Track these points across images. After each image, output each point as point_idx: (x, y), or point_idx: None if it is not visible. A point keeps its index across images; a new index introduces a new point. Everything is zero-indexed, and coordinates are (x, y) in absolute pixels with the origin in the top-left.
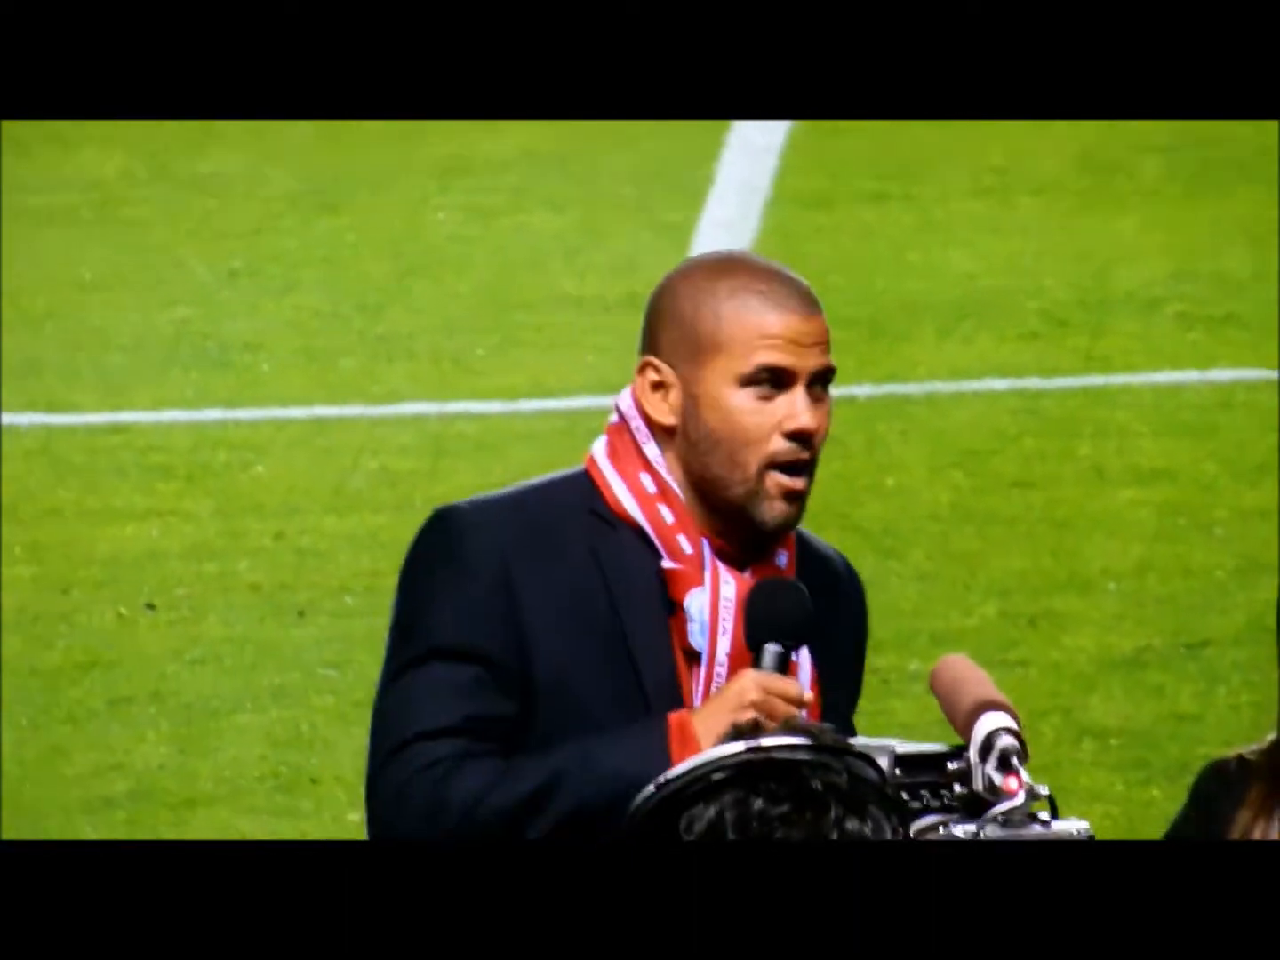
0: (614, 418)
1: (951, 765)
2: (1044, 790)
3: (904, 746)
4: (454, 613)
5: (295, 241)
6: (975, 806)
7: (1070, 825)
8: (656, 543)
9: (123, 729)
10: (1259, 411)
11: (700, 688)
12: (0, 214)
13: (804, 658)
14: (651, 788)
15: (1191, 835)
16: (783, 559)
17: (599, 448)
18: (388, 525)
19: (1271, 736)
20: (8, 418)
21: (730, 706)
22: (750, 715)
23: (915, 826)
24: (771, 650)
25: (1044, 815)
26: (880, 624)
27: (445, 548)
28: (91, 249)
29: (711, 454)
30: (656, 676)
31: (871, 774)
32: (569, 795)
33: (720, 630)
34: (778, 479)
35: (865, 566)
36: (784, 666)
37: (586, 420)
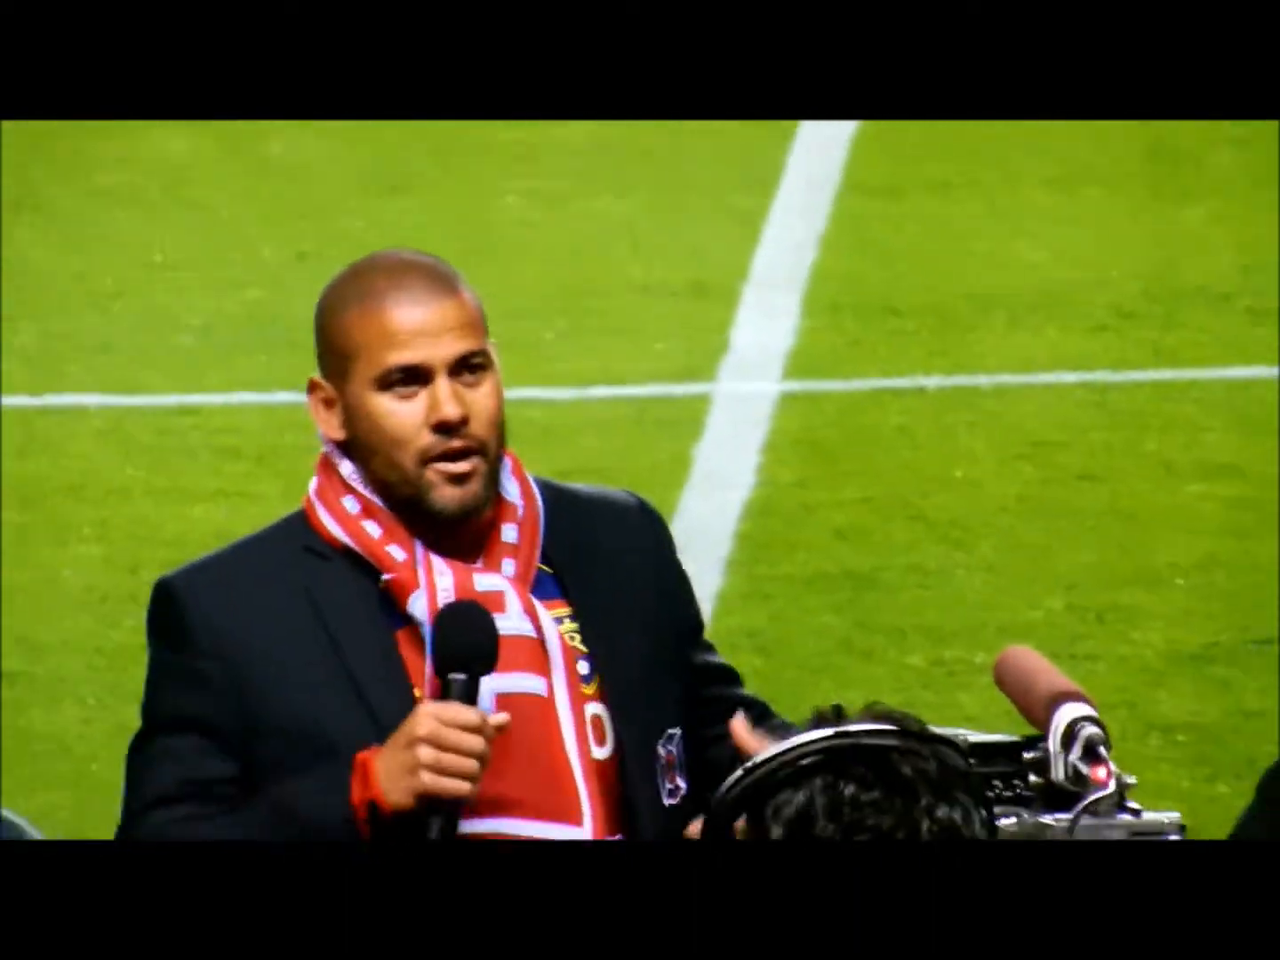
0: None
1: (1027, 755)
2: (1132, 780)
3: (975, 736)
4: (171, 686)
5: (363, 223)
6: (1053, 797)
7: (1161, 815)
8: (370, 560)
9: None
10: None
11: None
12: (69, 194)
13: (552, 639)
14: (739, 772)
15: (1258, 835)
16: (510, 534)
17: (312, 484)
18: None
19: None
20: (78, 398)
21: (401, 744)
22: (422, 749)
23: (1000, 816)
24: (455, 680)
25: (1134, 805)
26: (946, 616)
27: (161, 622)
28: (160, 230)
29: (373, 460)
30: (385, 699)
31: (959, 762)
32: (270, 837)
33: None
34: (437, 468)
35: (932, 558)
36: (471, 694)
37: (655, 408)
